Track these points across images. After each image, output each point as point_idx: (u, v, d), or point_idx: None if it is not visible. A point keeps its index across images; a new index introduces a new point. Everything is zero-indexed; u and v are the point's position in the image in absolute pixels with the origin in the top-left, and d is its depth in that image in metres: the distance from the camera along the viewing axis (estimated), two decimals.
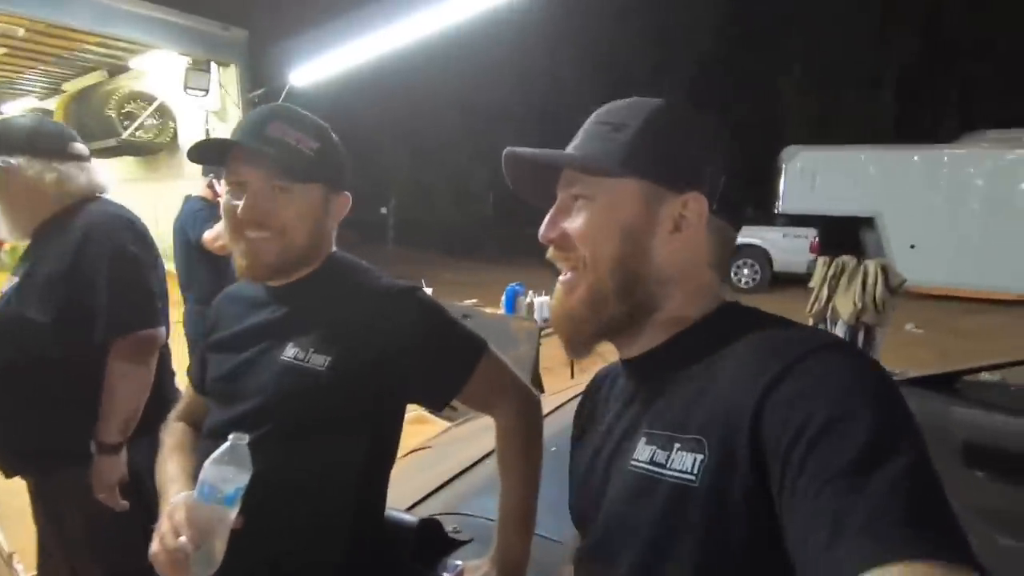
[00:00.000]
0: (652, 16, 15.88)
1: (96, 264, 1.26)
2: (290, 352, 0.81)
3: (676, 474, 0.50)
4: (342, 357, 0.80)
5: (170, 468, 0.85)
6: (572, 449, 0.71)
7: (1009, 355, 1.83)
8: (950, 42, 15.32)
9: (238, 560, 0.68)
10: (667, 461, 0.52)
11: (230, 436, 0.67)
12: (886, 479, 0.38)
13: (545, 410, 1.69)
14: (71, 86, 5.51)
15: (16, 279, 1.31)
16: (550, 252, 0.63)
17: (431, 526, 0.88)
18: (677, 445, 0.51)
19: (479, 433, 1.66)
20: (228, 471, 0.65)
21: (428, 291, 3.88)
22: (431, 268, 10.13)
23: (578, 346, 0.62)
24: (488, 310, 4.09)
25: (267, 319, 0.87)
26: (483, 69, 15.66)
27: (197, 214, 2.91)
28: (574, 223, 0.60)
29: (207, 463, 0.67)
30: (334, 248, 0.94)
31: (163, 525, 0.69)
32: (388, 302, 0.85)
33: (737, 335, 0.54)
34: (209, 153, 0.88)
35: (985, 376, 1.85)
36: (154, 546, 0.69)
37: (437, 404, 0.87)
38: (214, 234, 2.77)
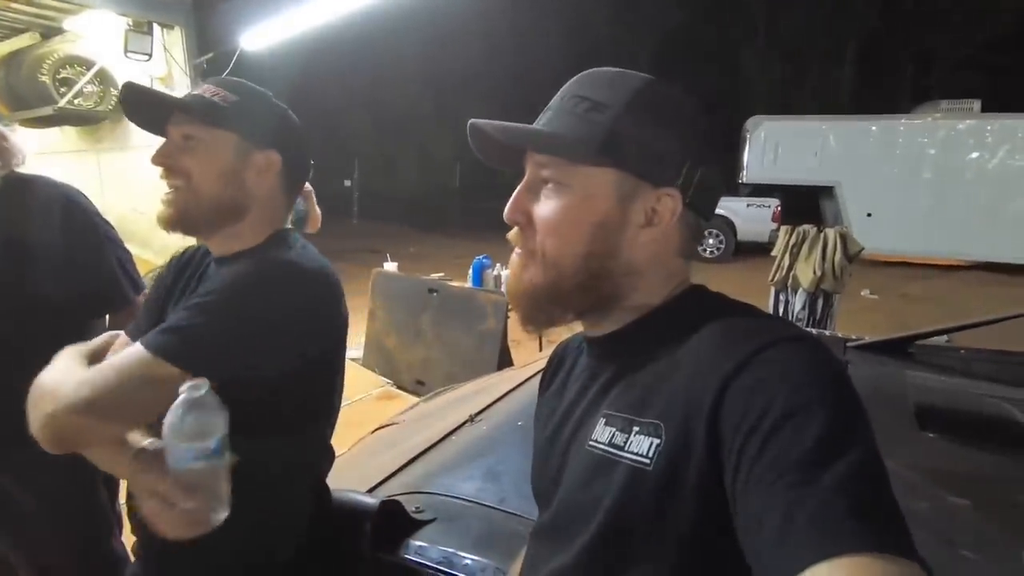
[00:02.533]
0: None
1: (92, 240, 1.30)
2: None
3: (632, 457, 0.51)
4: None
5: None
6: (535, 422, 0.70)
7: (958, 318, 1.90)
8: (907, 14, 15.62)
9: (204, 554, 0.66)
10: (625, 443, 0.52)
11: (183, 390, 0.62)
12: (838, 473, 0.39)
13: (513, 383, 1.69)
14: None
15: None
16: (513, 232, 0.60)
17: (391, 508, 0.86)
18: (636, 428, 0.52)
19: (446, 408, 1.64)
20: (201, 423, 0.61)
21: (393, 264, 3.83)
22: (397, 241, 9.98)
23: (534, 323, 0.60)
24: (455, 283, 4.05)
25: None
26: (448, 36, 15.24)
27: None
28: (543, 210, 0.57)
29: (170, 425, 0.61)
30: (288, 225, 0.90)
31: (156, 487, 0.66)
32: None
33: (701, 322, 0.53)
34: (146, 116, 0.86)
35: (937, 340, 1.92)
36: (154, 508, 0.66)
37: None
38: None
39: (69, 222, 1.28)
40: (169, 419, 0.61)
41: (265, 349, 0.74)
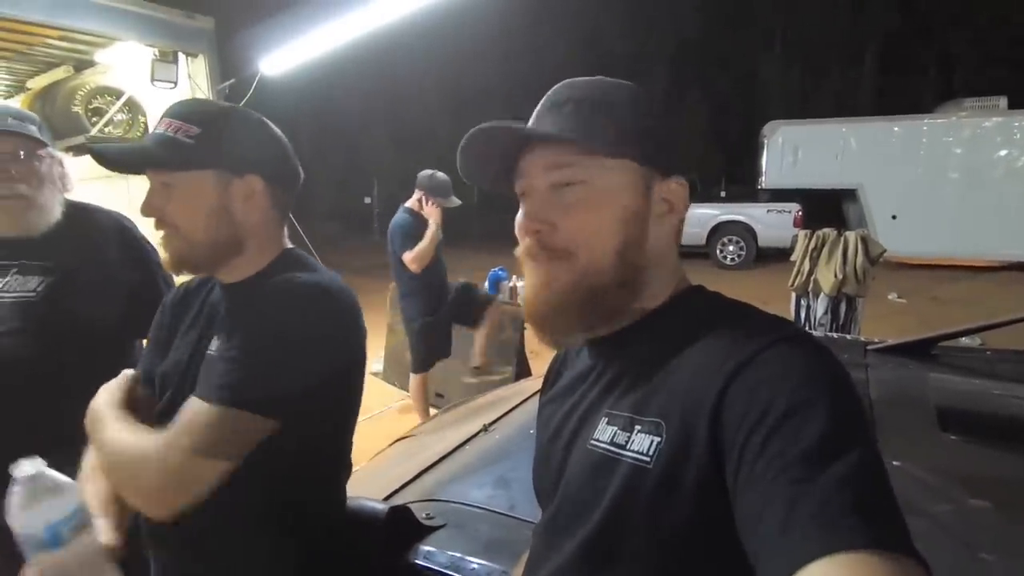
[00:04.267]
0: None
1: (145, 266, 1.34)
2: (214, 346, 0.79)
3: (634, 455, 0.51)
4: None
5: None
6: (536, 425, 0.71)
7: (989, 319, 1.84)
8: (928, 14, 15.37)
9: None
10: (627, 442, 0.52)
11: (18, 473, 0.57)
12: (838, 470, 0.39)
13: (527, 394, 1.70)
14: (36, 83, 5.35)
15: (41, 277, 1.25)
16: (528, 244, 0.59)
17: (401, 513, 0.87)
18: (637, 427, 0.52)
19: (462, 419, 1.66)
20: (42, 509, 0.55)
21: None
22: None
23: (559, 333, 0.60)
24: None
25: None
26: (464, 53, 15.47)
27: (398, 228, 3.07)
28: (570, 211, 0.56)
29: (14, 515, 0.56)
30: (287, 244, 0.89)
31: None
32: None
33: (702, 321, 0.54)
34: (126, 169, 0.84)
35: (963, 341, 1.87)
36: None
37: None
38: (412, 255, 2.97)
39: (127, 249, 1.34)
40: (11, 502, 0.56)
41: (316, 374, 0.74)
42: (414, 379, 3.31)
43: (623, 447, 0.52)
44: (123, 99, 4.89)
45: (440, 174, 3.20)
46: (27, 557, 0.57)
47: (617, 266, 0.56)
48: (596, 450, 0.55)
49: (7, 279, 1.21)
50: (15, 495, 0.56)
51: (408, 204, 3.20)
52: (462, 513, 0.93)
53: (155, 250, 1.41)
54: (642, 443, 0.51)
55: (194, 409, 0.70)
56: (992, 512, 0.85)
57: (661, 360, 0.54)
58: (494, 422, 1.36)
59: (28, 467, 0.57)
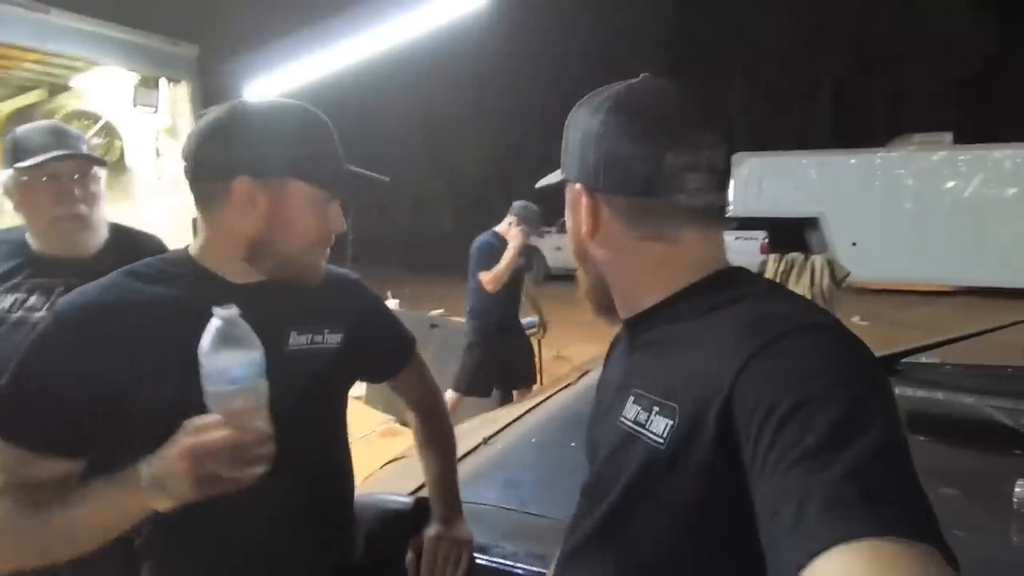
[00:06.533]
0: (599, 35, 16.38)
1: None
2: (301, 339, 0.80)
3: (650, 435, 0.54)
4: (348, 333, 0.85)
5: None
6: (596, 392, 0.74)
7: (943, 337, 1.98)
8: (879, 53, 16.36)
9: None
10: (646, 422, 0.55)
11: (217, 312, 0.60)
12: (848, 459, 0.39)
13: (521, 411, 1.74)
14: (7, 106, 5.26)
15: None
16: None
17: (426, 504, 0.92)
18: (656, 408, 0.55)
19: (457, 437, 1.69)
20: (233, 353, 0.59)
21: (395, 302, 3.88)
22: (392, 281, 10.01)
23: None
24: (456, 318, 4.11)
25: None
26: (439, 83, 15.73)
27: (480, 248, 3.16)
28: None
29: (207, 352, 0.59)
30: None
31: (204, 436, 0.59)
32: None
33: (721, 305, 0.56)
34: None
35: (923, 358, 1.99)
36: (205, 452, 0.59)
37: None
38: (490, 276, 3.03)
39: None
40: (206, 342, 0.60)
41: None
42: (448, 394, 3.20)
43: (643, 426, 0.55)
44: (99, 124, 4.85)
45: (532, 206, 3.19)
46: (204, 387, 0.60)
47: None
48: (623, 427, 0.58)
49: (52, 299, 1.19)
50: (210, 332, 0.60)
51: (497, 228, 3.25)
52: (476, 510, 0.96)
53: None
54: (658, 425, 0.53)
55: None
56: (960, 498, 0.94)
57: (683, 341, 0.56)
58: (494, 435, 1.40)
59: (228, 307, 0.61)
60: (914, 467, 0.41)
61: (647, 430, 0.55)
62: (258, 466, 0.61)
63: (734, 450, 0.47)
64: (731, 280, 0.60)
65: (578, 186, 0.62)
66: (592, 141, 0.60)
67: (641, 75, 0.63)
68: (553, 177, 0.70)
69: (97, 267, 1.26)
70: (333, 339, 0.82)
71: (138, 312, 0.70)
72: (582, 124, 0.62)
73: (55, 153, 1.17)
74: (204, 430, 0.59)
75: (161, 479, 0.60)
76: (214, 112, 0.76)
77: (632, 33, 16.37)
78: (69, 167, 1.20)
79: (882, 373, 0.47)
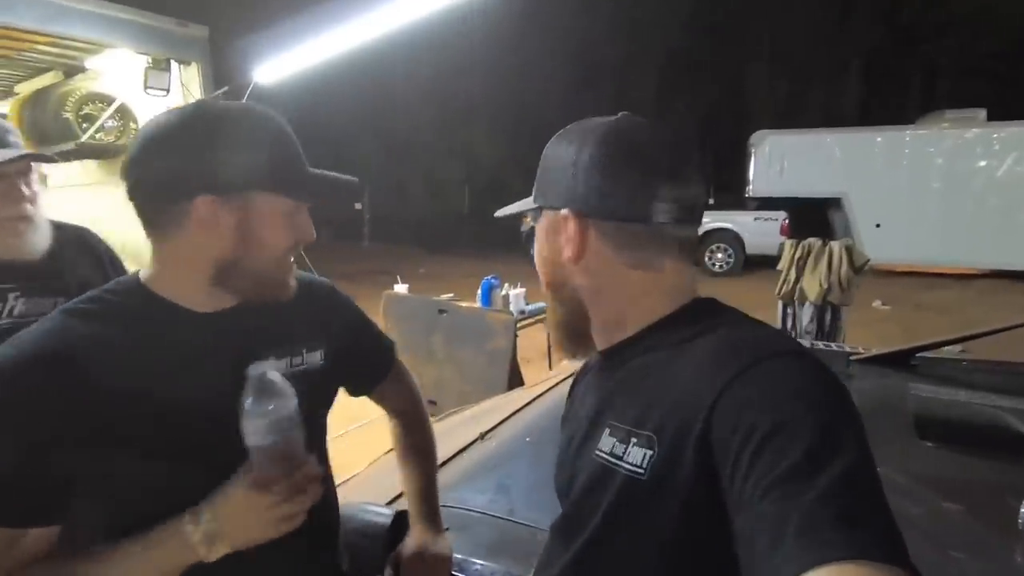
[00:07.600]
0: (621, 8, 15.95)
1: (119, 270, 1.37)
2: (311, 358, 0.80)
3: (629, 467, 0.54)
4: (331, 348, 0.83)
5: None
6: (561, 424, 0.75)
7: (970, 328, 1.91)
8: (911, 26, 15.69)
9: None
10: (624, 454, 0.55)
11: (251, 371, 0.62)
12: (821, 485, 0.40)
13: (521, 403, 1.73)
14: (24, 88, 5.32)
15: (55, 297, 1.22)
16: None
17: (405, 518, 0.90)
18: (633, 440, 0.55)
19: (457, 428, 1.69)
20: (271, 407, 0.62)
21: (404, 287, 3.89)
22: (407, 262, 10.09)
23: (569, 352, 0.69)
24: (464, 304, 4.10)
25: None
26: (455, 63, 15.54)
27: None
28: None
29: (250, 413, 0.61)
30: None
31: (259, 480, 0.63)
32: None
33: (696, 335, 0.57)
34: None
35: (944, 351, 1.93)
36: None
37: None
38: None
39: (116, 269, 1.36)
40: (248, 403, 0.62)
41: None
42: None
43: (620, 458, 0.55)
44: (114, 106, 4.88)
45: None
46: (247, 442, 0.62)
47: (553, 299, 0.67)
48: (599, 459, 0.58)
49: (8, 304, 1.17)
50: (256, 392, 0.62)
51: None
52: (463, 518, 0.96)
53: (115, 254, 1.41)
54: (636, 456, 0.54)
55: None
56: (963, 514, 0.90)
57: (658, 372, 0.57)
58: (490, 430, 1.39)
59: (260, 365, 0.63)
60: (882, 487, 0.43)
61: (624, 461, 0.55)
62: (313, 494, 0.65)
63: (713, 478, 0.48)
64: (705, 310, 0.62)
65: (564, 211, 0.62)
66: (583, 169, 0.61)
67: (620, 113, 0.65)
68: (523, 205, 0.69)
69: (51, 268, 1.22)
70: (313, 358, 0.78)
71: (84, 358, 0.62)
72: (566, 153, 0.62)
73: (13, 154, 1.13)
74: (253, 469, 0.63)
75: (221, 525, 0.62)
76: (156, 123, 0.69)
77: (654, 9, 15.90)
78: (18, 166, 1.15)
79: (848, 395, 0.49)
